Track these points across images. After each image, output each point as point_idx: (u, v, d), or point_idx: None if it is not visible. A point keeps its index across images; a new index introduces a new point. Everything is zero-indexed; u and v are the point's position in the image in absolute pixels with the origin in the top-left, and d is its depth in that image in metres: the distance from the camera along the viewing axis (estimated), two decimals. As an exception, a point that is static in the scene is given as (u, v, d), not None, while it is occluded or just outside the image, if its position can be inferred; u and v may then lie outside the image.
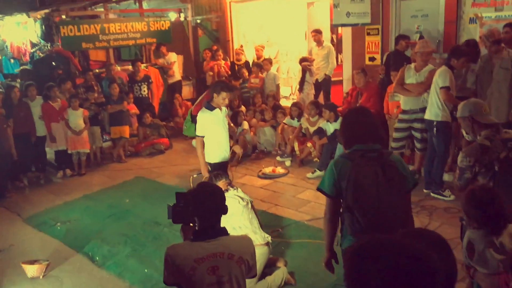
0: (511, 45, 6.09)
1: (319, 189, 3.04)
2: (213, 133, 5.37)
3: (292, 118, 8.21)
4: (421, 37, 7.44)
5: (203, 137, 5.38)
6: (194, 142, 7.11)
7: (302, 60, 9.25)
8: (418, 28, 7.79)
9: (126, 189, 7.42)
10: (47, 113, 7.97)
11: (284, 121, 8.31)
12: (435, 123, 5.89)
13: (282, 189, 6.78)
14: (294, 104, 8.40)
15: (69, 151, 8.14)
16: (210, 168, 5.39)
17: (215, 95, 5.29)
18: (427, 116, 5.99)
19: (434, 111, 5.89)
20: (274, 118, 8.69)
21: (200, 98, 7.98)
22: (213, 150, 5.43)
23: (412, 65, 6.35)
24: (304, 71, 9.15)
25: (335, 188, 2.89)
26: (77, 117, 8.07)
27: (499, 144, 3.42)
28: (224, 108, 5.46)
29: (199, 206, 2.63)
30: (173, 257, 2.53)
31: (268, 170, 7.55)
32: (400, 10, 8.07)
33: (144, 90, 9.73)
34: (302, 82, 9.22)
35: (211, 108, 5.33)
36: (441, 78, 5.74)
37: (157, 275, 4.59)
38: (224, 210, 2.67)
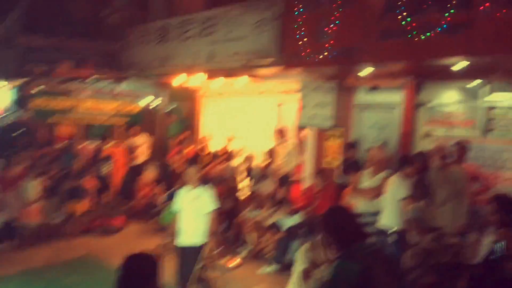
0: (460, 162, 6.55)
1: None
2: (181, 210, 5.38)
3: (255, 208, 8.28)
4: (380, 146, 7.89)
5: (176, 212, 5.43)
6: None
7: (267, 152, 9.55)
8: (376, 137, 8.29)
9: (71, 268, 7.10)
10: (3, 180, 7.80)
11: (242, 214, 8.36)
12: (392, 232, 5.77)
13: (233, 283, 6.64)
14: (253, 197, 8.51)
15: (18, 222, 7.85)
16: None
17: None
18: (384, 224, 5.97)
19: (392, 219, 5.87)
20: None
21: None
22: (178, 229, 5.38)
23: (368, 170, 6.66)
24: (268, 165, 9.39)
25: None
26: (33, 187, 7.91)
27: (442, 248, 3.58)
28: (201, 190, 5.39)
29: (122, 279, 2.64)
30: None
31: (222, 261, 7.42)
32: (361, 118, 8.65)
33: (106, 168, 9.73)
34: (264, 176, 9.42)
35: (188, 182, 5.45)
36: (400, 188, 5.90)
37: None
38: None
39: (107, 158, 9.84)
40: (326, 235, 2.94)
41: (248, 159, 10.07)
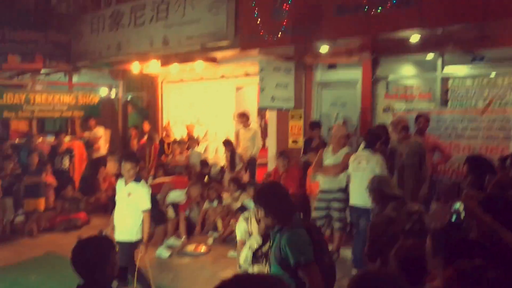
0: (421, 133, 6.65)
1: (310, 262, 2.88)
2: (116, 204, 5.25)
3: (211, 200, 8.17)
4: (342, 122, 7.94)
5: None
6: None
7: (225, 142, 9.45)
8: (337, 115, 8.34)
9: (34, 266, 6.87)
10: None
11: (203, 208, 8.22)
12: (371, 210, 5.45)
13: (202, 268, 6.58)
14: (211, 187, 8.36)
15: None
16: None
17: None
18: (361, 202, 5.71)
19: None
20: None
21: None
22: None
23: (330, 147, 6.68)
24: (234, 152, 9.29)
25: None
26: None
27: (404, 216, 3.61)
28: (134, 187, 5.06)
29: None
30: None
31: (190, 248, 7.34)
32: (321, 97, 8.66)
33: (66, 163, 9.47)
34: (232, 162, 9.33)
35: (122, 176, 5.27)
36: (379, 166, 5.71)
37: None
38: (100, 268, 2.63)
39: (67, 152, 9.53)
40: (267, 209, 3.04)
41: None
